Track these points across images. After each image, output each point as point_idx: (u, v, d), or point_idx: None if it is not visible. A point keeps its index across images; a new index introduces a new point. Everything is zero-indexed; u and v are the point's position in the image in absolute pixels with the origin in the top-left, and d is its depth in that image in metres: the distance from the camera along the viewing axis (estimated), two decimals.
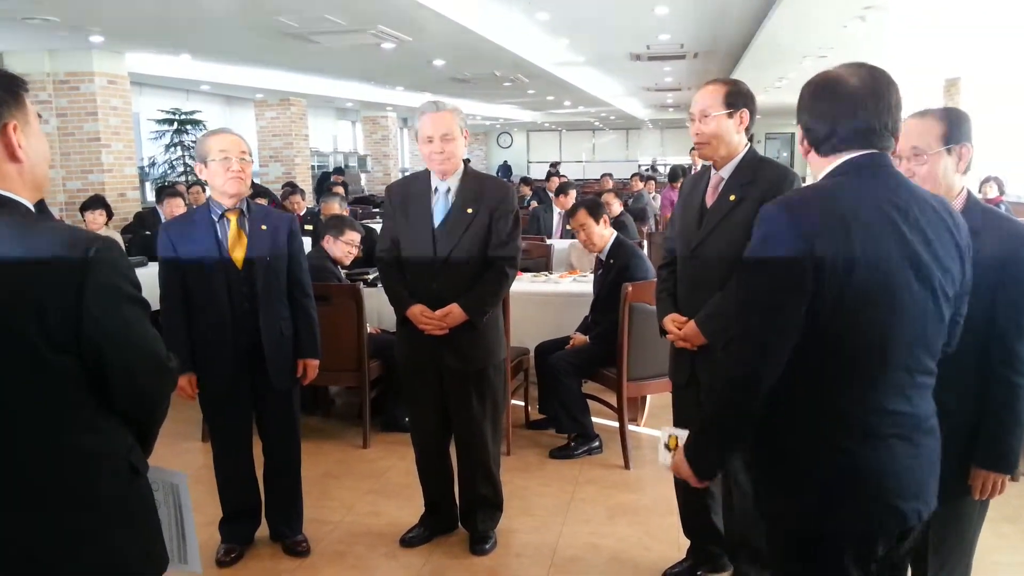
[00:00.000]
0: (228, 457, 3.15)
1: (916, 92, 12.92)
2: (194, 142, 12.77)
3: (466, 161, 3.11)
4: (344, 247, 4.75)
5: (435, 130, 2.94)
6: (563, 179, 10.01)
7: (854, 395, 1.56)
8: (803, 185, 1.67)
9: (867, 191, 1.58)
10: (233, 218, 2.99)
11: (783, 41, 9.70)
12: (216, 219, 2.98)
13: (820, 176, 1.67)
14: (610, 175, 13.69)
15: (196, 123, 12.95)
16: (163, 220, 7.55)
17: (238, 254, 2.98)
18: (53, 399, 1.34)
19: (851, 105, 1.61)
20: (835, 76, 1.65)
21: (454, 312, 2.97)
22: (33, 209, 1.40)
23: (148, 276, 5.81)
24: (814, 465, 1.59)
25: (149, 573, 1.51)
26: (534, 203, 11.05)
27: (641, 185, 11.65)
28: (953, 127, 1.97)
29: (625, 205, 9.53)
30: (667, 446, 1.90)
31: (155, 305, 5.37)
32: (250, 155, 3.01)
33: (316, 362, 3.18)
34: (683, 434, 1.85)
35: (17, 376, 1.30)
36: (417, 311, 2.99)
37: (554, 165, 21.73)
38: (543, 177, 19.24)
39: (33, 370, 1.30)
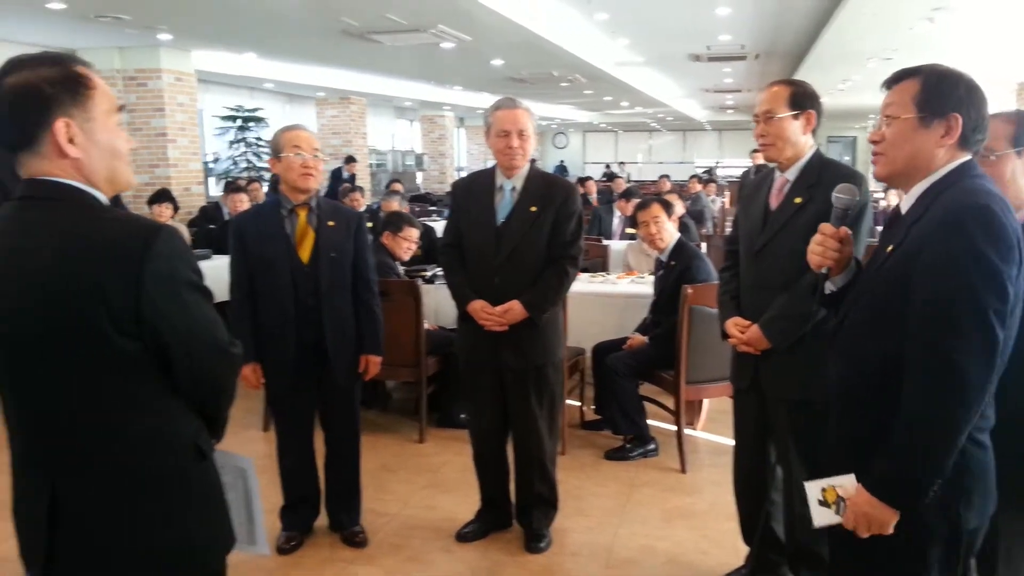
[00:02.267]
0: (291, 447, 3.22)
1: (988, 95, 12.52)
2: (257, 139, 13.07)
3: (532, 161, 3.13)
4: (403, 243, 4.80)
5: (513, 125, 2.96)
6: (629, 183, 9.99)
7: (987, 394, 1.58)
8: (968, 184, 1.59)
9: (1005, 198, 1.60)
10: (302, 213, 3.05)
11: (848, 42, 9.50)
12: (286, 214, 3.04)
13: (948, 165, 1.64)
14: (667, 177, 13.59)
15: (259, 120, 13.23)
16: (226, 214, 7.75)
17: (305, 249, 3.04)
18: (120, 381, 1.38)
19: (986, 110, 1.65)
20: (973, 79, 1.66)
21: (514, 309, 2.98)
22: (106, 200, 1.44)
23: (213, 269, 5.99)
24: (961, 462, 1.56)
25: (214, 552, 1.55)
26: (595, 201, 11.02)
27: (699, 187, 11.53)
28: (1023, 129, 1.92)
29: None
30: (823, 502, 1.71)
31: (223, 296, 5.51)
32: (322, 152, 3.06)
33: (379, 359, 3.23)
34: (842, 482, 1.67)
35: (86, 359, 1.35)
36: (478, 306, 3.02)
37: (608, 166, 21.66)
38: (599, 177, 19.25)
39: (101, 353, 1.35)
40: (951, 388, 1.50)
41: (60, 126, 1.35)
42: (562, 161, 28.66)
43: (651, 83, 15.41)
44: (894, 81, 1.71)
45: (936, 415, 1.52)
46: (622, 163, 22.14)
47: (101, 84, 1.42)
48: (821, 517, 1.71)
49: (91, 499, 1.40)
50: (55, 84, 1.35)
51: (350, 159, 13.15)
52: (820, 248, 1.87)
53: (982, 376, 1.50)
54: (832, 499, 1.68)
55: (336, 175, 12.81)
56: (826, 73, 12.16)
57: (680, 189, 13.00)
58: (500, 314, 2.99)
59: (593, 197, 11.65)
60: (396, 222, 4.89)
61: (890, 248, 1.66)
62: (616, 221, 7.91)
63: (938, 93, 1.64)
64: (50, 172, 1.38)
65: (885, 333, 1.61)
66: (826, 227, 1.88)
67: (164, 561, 1.44)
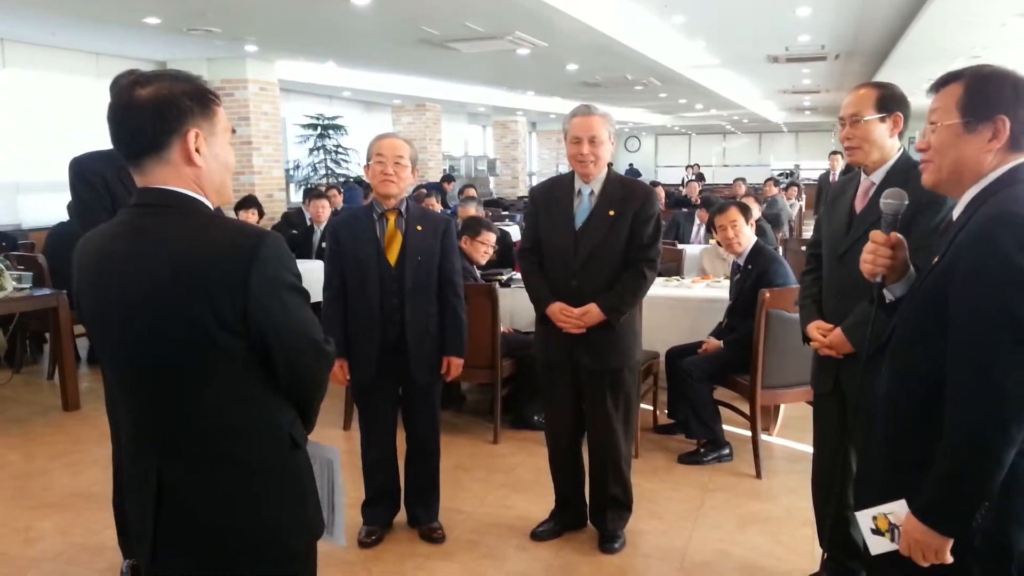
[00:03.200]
0: (373, 442, 3.33)
1: None
2: (336, 146, 13.41)
3: (609, 165, 3.17)
4: (481, 247, 4.89)
5: (584, 132, 3.02)
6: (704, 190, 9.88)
7: None
8: (1011, 191, 1.53)
9: None
10: (392, 218, 3.18)
11: (935, 40, 9.21)
12: (376, 217, 3.16)
13: (998, 169, 1.60)
14: (743, 180, 13.38)
15: (338, 128, 13.58)
16: (307, 220, 7.98)
17: (392, 252, 3.15)
18: (224, 376, 1.48)
19: None
20: (1018, 75, 1.60)
21: (592, 311, 3.02)
22: (212, 208, 1.55)
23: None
24: (1007, 478, 1.50)
25: (302, 539, 1.63)
26: (664, 208, 10.93)
27: (775, 191, 11.33)
28: None
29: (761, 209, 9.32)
30: (876, 530, 1.67)
31: (315, 297, 5.70)
32: (408, 159, 3.14)
33: (460, 360, 3.31)
34: (894, 509, 1.63)
35: (194, 355, 1.45)
36: (556, 308, 3.07)
37: (690, 167, 21.32)
38: (676, 182, 19.04)
39: (208, 348, 1.45)
40: (990, 406, 1.45)
41: (192, 135, 1.47)
42: (632, 164, 28.46)
43: (727, 85, 15.21)
44: (939, 86, 1.66)
45: (977, 436, 1.47)
46: (693, 165, 21.81)
47: (221, 104, 1.54)
48: (877, 546, 1.67)
49: (193, 484, 1.50)
50: (192, 97, 1.47)
51: (448, 178, 12.90)
52: (871, 256, 1.85)
53: (1021, 390, 1.44)
54: (885, 527, 1.65)
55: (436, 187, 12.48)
56: (910, 72, 11.79)
57: (756, 192, 12.80)
58: (578, 316, 3.03)
59: (661, 202, 11.57)
60: (474, 227, 4.98)
61: (936, 259, 1.63)
62: (695, 227, 7.85)
63: (983, 95, 1.59)
64: (170, 180, 1.48)
65: (928, 349, 1.57)
66: (876, 234, 1.86)
67: (258, 543, 1.54)
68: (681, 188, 16.12)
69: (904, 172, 2.51)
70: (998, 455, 1.46)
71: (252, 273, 1.42)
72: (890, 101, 2.53)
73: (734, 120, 24.73)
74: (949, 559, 1.55)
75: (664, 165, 29.12)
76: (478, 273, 4.97)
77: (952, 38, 9.14)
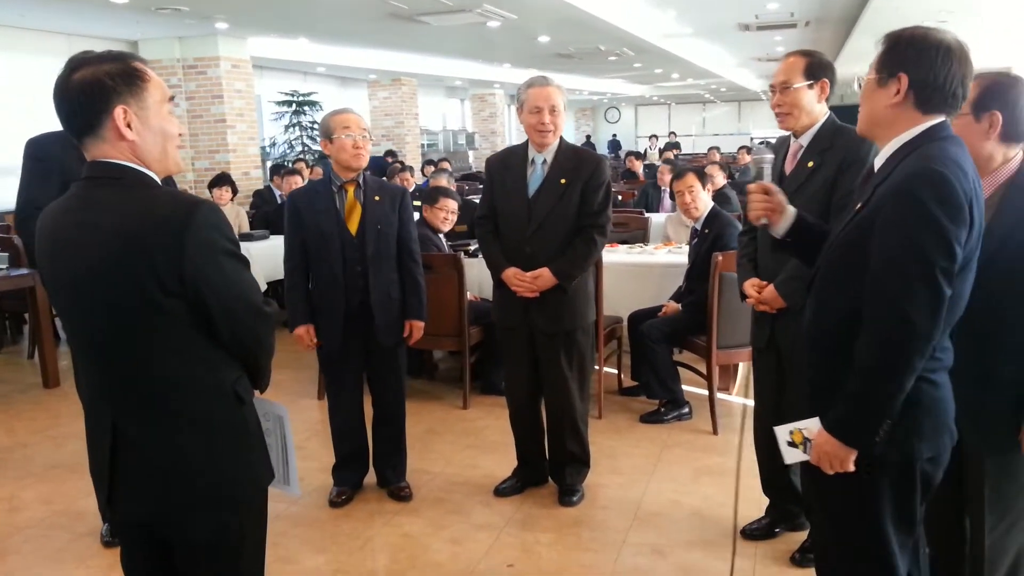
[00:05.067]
0: (340, 407, 3.47)
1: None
2: (312, 122, 13.41)
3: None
4: (440, 213, 4.99)
5: (544, 102, 3.14)
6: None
7: (940, 336, 1.70)
8: (929, 148, 1.67)
9: (968, 160, 1.69)
10: (350, 189, 3.30)
11: (900, 6, 9.32)
12: (336, 190, 3.28)
13: (906, 132, 1.73)
14: (717, 148, 13.54)
15: (313, 104, 13.57)
16: (278, 197, 8.06)
17: (353, 222, 3.28)
18: (168, 334, 1.61)
19: (963, 69, 1.70)
20: (945, 37, 1.71)
21: (544, 275, 3.16)
22: (158, 179, 1.66)
23: (271, 247, 6.30)
24: (909, 396, 1.69)
25: (247, 488, 1.76)
26: (642, 178, 11.06)
27: (748, 158, 11.48)
28: (984, 94, 1.98)
29: (731, 178, 9.45)
30: (791, 443, 1.87)
31: (279, 275, 5.75)
32: (369, 133, 3.29)
33: (421, 324, 3.45)
34: (808, 425, 1.82)
35: (140, 316, 1.58)
36: (511, 273, 3.21)
37: (652, 137, 21.40)
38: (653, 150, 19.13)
39: (151, 311, 1.57)
40: (900, 339, 1.64)
41: (119, 112, 1.59)
42: (615, 135, 28.54)
43: (701, 54, 15.27)
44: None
45: (885, 363, 1.65)
46: (652, 136, 22.02)
47: (154, 77, 1.65)
48: (790, 456, 1.89)
49: (145, 436, 1.64)
50: (114, 77, 1.58)
51: (390, 152, 13.17)
52: (751, 204, 2.10)
53: (928, 328, 1.63)
54: (799, 440, 1.85)
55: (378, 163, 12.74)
56: (880, 35, 11.91)
57: (731, 161, 12.95)
58: (531, 280, 3.17)
59: (639, 173, 11.69)
60: (432, 195, 5.10)
61: (859, 205, 1.79)
62: (665, 196, 7.97)
63: (892, 53, 1.73)
64: (109, 154, 1.61)
65: (848, 287, 1.74)
66: (751, 186, 2.11)
67: (206, 490, 1.68)
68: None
69: (830, 134, 2.66)
70: (901, 380, 1.66)
71: (187, 238, 1.55)
72: (817, 68, 2.67)
73: (712, 89, 24.78)
74: (852, 468, 1.74)
75: (644, 135, 29.16)
76: (444, 243, 5.09)
77: (916, 4, 9.24)
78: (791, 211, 2.07)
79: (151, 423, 1.64)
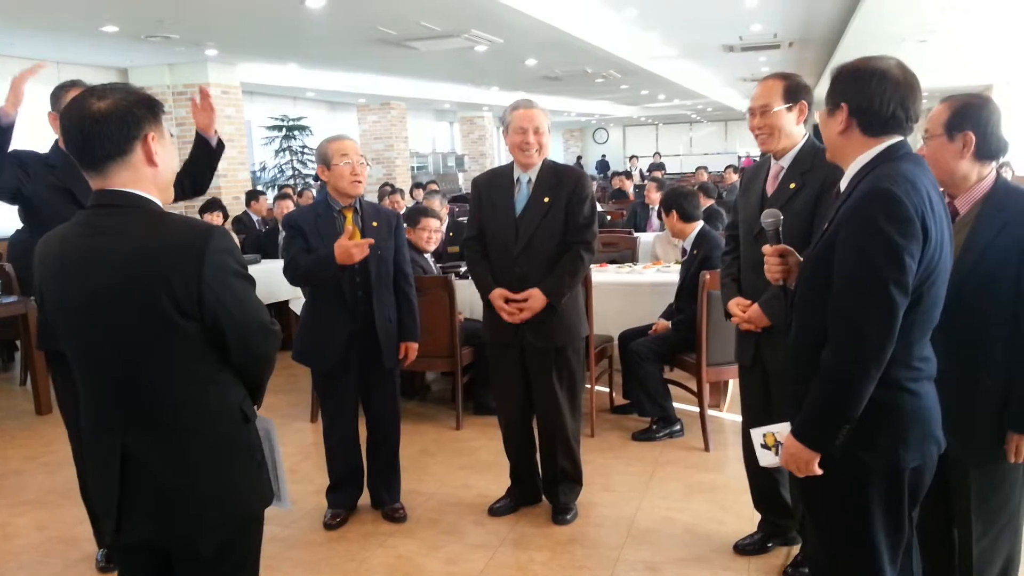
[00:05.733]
0: (336, 428, 3.48)
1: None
2: (302, 147, 13.47)
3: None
4: (423, 234, 5.03)
5: (529, 123, 3.22)
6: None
7: (917, 346, 1.80)
8: (884, 168, 1.77)
9: (923, 176, 1.77)
10: (349, 215, 3.35)
11: (883, 26, 9.48)
12: (336, 215, 3.34)
13: (860, 158, 1.83)
14: (705, 168, 13.67)
15: (303, 128, 13.66)
16: (255, 221, 8.15)
17: None
18: (181, 356, 1.66)
19: (901, 92, 1.80)
20: (881, 64, 1.82)
21: (535, 297, 3.21)
22: (162, 207, 1.73)
23: (261, 272, 6.30)
24: (892, 406, 1.78)
25: (256, 504, 1.81)
26: (631, 196, 11.14)
27: (735, 178, 11.61)
28: (956, 117, 2.07)
29: (720, 197, 9.54)
30: (764, 445, 1.97)
31: (273, 298, 5.77)
32: (366, 159, 3.35)
33: (416, 345, 3.51)
34: (780, 428, 1.91)
35: (156, 338, 1.63)
36: (496, 296, 3.27)
37: (632, 158, 21.62)
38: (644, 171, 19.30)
39: (168, 333, 1.62)
40: (854, 349, 1.72)
41: (151, 138, 1.66)
42: (604, 156, 28.72)
43: (687, 75, 15.46)
44: None
45: (841, 373, 1.74)
46: (633, 157, 22.30)
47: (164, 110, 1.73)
48: (764, 459, 1.98)
49: (158, 454, 1.68)
50: (143, 106, 1.66)
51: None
52: (768, 267, 2.16)
53: (881, 339, 1.71)
54: (771, 443, 1.94)
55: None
56: (861, 55, 12.09)
57: (719, 180, 13.08)
58: (521, 300, 3.22)
59: (629, 192, 11.79)
60: (413, 216, 5.11)
61: (826, 225, 1.87)
62: (652, 215, 8.06)
63: (835, 85, 1.86)
64: (129, 182, 1.66)
65: (820, 304, 1.81)
66: (767, 249, 2.15)
67: (218, 507, 1.71)
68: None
69: (810, 156, 2.72)
70: (858, 389, 1.74)
71: (204, 264, 1.61)
72: (796, 90, 2.73)
73: (699, 109, 25.02)
74: (817, 471, 1.83)
75: (634, 155, 29.38)
76: (433, 265, 5.14)
77: (897, 24, 9.41)
78: None
79: (164, 441, 1.67)
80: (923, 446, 1.81)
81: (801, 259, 2.10)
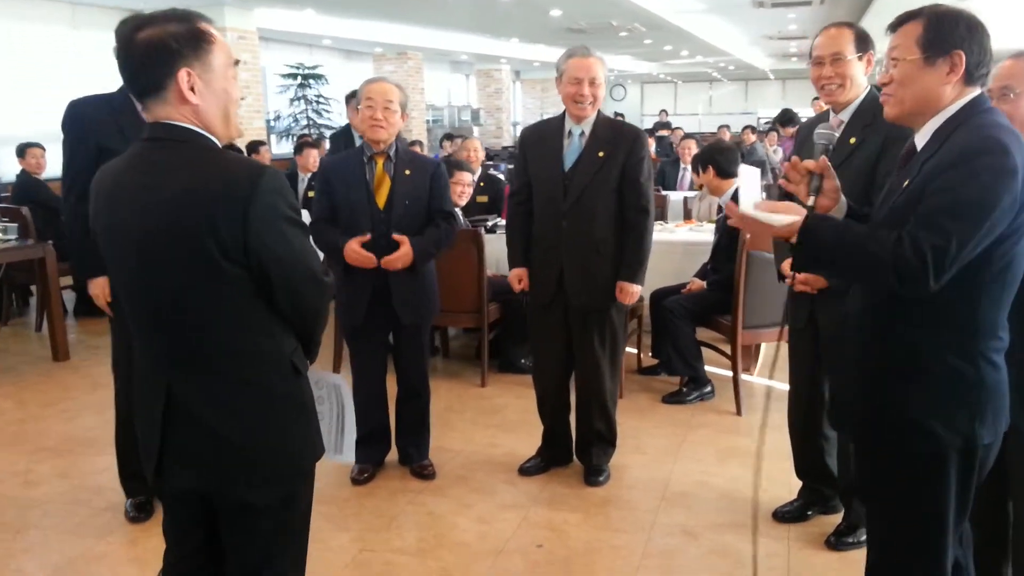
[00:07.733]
0: (364, 382, 3.39)
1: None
2: (317, 96, 13.24)
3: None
4: (456, 188, 4.88)
5: (585, 73, 3.05)
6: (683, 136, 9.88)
7: (1000, 316, 1.71)
8: (980, 119, 1.66)
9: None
10: (380, 161, 3.21)
11: None
12: (366, 161, 3.20)
13: (948, 108, 1.72)
14: (727, 127, 13.41)
15: (318, 77, 13.40)
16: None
17: (381, 195, 3.19)
18: (229, 301, 1.57)
19: (989, 44, 1.72)
20: (974, 16, 1.72)
21: (628, 291, 3.18)
22: (219, 143, 1.61)
23: None
24: (975, 379, 1.69)
25: (307, 457, 1.73)
26: (653, 155, 10.93)
27: (753, 138, 11.35)
28: None
29: (742, 157, 9.34)
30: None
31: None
32: (398, 104, 3.15)
33: (409, 249, 3.16)
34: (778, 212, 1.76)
35: (202, 281, 1.54)
36: (514, 278, 3.28)
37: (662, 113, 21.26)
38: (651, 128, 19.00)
39: (215, 279, 1.53)
40: (904, 259, 1.59)
41: (183, 75, 1.54)
42: (616, 112, 28.26)
43: (713, 31, 15.11)
44: (898, 24, 1.77)
45: (899, 257, 1.59)
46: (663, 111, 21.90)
47: (220, 39, 1.60)
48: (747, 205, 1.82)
49: (204, 400, 1.60)
50: (179, 39, 1.53)
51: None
52: (790, 178, 1.97)
53: (960, 249, 1.58)
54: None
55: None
56: (896, 14, 11.76)
57: (738, 141, 12.82)
58: (631, 294, 3.19)
59: (651, 151, 11.55)
60: (447, 169, 4.99)
61: (906, 183, 1.73)
62: (682, 173, 7.88)
63: (940, 33, 1.70)
64: (172, 116, 1.56)
65: None
66: (809, 162, 1.92)
67: (265, 457, 1.64)
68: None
69: (871, 109, 2.57)
70: (863, 267, 1.68)
71: (251, 205, 1.50)
72: (866, 40, 2.61)
73: (720, 67, 24.58)
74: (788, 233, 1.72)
75: (649, 114, 28.93)
76: (461, 217, 5.01)
77: None
78: (843, 203, 1.96)
79: (211, 388, 1.60)
80: (996, 423, 1.75)
81: (839, 187, 1.93)
